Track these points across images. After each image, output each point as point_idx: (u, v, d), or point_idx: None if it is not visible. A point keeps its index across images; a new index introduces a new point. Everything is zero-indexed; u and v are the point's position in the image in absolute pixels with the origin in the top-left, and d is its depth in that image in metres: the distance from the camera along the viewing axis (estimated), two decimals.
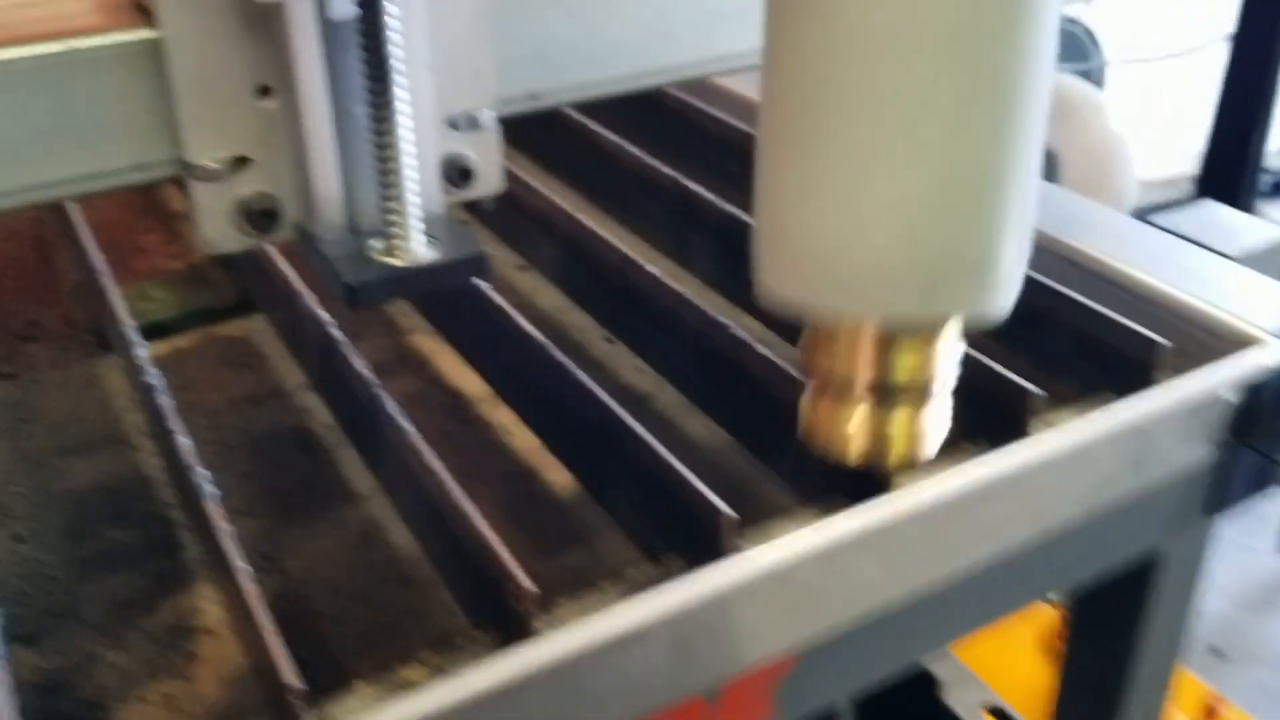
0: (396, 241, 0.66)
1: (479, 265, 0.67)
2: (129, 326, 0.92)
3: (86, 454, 0.90)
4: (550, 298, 1.13)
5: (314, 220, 0.68)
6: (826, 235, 0.30)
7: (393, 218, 0.65)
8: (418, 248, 0.66)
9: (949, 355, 0.32)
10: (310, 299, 0.93)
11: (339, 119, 0.65)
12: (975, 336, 0.96)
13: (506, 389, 0.97)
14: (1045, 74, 0.29)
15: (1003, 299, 0.31)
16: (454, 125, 0.71)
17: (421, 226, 0.66)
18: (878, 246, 0.30)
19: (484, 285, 0.95)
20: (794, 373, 0.81)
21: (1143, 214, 3.54)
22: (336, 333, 0.88)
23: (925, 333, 0.32)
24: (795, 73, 0.29)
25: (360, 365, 0.84)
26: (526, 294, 1.14)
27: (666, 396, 0.97)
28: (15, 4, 0.64)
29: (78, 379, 1.00)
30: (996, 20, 0.27)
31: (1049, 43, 0.29)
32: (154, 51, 0.63)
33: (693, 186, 1.11)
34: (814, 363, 0.32)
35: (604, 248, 1.02)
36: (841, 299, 0.31)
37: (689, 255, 1.14)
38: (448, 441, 0.92)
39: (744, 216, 1.05)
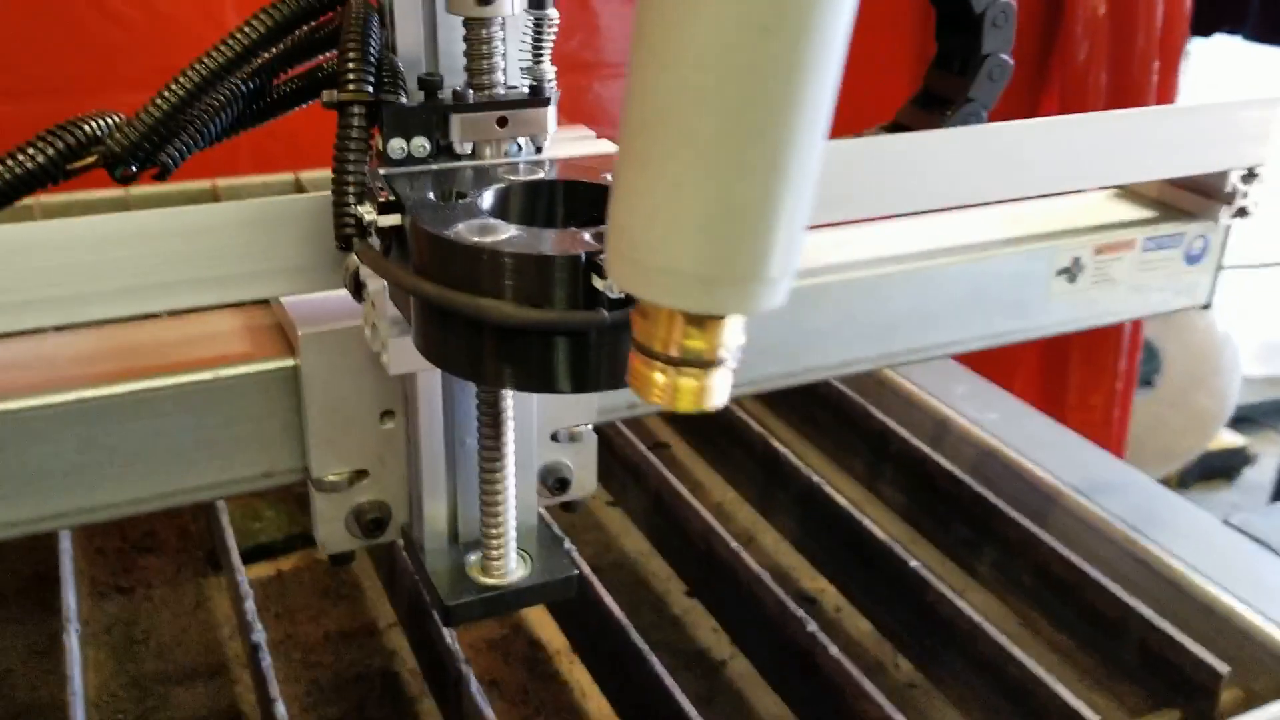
0: (493, 559, 0.70)
1: (569, 586, 0.71)
2: (236, 552, 0.99)
3: (189, 684, 0.96)
4: (634, 541, 1.17)
5: (419, 529, 0.73)
6: (638, 243, 0.40)
7: (492, 537, 0.70)
8: (512, 566, 0.71)
9: (732, 338, 0.42)
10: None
11: (450, 445, 0.71)
12: (1053, 637, 0.98)
13: (583, 646, 1.00)
14: (812, 139, 0.38)
15: (769, 303, 0.41)
16: (555, 438, 0.77)
17: (515, 544, 0.71)
18: (670, 257, 0.39)
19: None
20: (865, 683, 0.83)
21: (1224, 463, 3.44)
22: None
23: (713, 321, 0.42)
24: (627, 117, 0.39)
25: (451, 639, 0.88)
26: (613, 532, 1.18)
27: (740, 666, 1.00)
28: (171, 323, 0.72)
29: (187, 599, 1.06)
30: (765, 104, 0.36)
31: (817, 117, 0.38)
32: (291, 379, 0.69)
33: (779, 446, 1.16)
34: (637, 329, 0.43)
35: (690, 513, 1.06)
36: (647, 292, 0.40)
37: (773, 511, 1.18)
38: (526, 700, 0.95)
39: (829, 490, 1.08)
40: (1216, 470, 3.52)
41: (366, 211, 0.55)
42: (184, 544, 1.13)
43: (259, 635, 0.86)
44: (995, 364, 1.31)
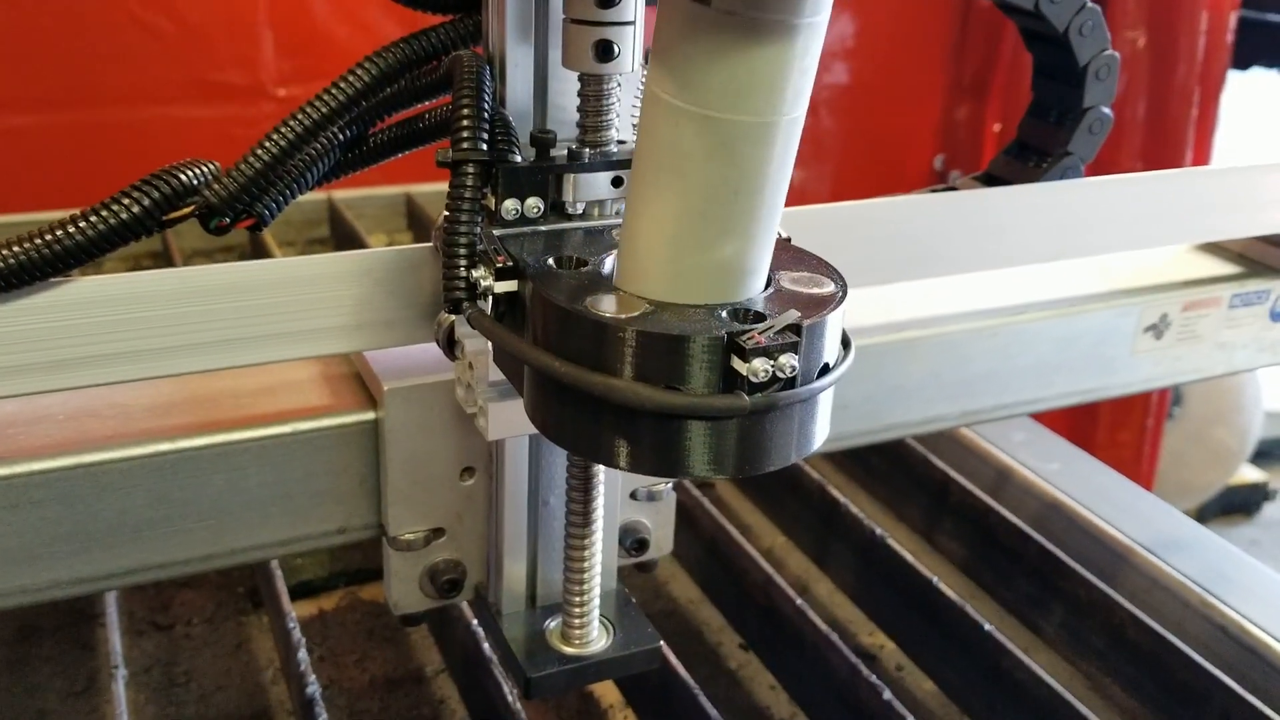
0: (574, 627, 0.67)
1: (654, 657, 0.68)
2: (285, 597, 0.95)
3: None
4: (684, 587, 1.14)
5: (496, 591, 0.70)
6: (639, 253, 0.49)
7: (574, 603, 0.67)
8: (594, 635, 0.68)
9: None
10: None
11: (533, 505, 0.68)
12: (1126, 704, 0.95)
13: (638, 701, 0.97)
14: (776, 182, 0.48)
15: (748, 293, 0.50)
16: (635, 496, 0.74)
17: (597, 613, 0.68)
18: (667, 263, 0.48)
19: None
20: None
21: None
22: (485, 646, 0.89)
23: None
24: (638, 165, 0.48)
25: (506, 689, 0.85)
26: (661, 578, 1.15)
27: None
28: (248, 371, 0.69)
29: (228, 639, 1.03)
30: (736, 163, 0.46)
31: (779, 167, 0.47)
32: (371, 433, 0.66)
33: (836, 493, 1.13)
34: None
35: (747, 562, 1.03)
36: (652, 291, 0.49)
37: (828, 560, 1.15)
38: None
39: (891, 542, 1.05)
40: (1236, 505, 3.50)
41: (482, 276, 0.52)
42: (224, 579, 1.10)
43: (314, 689, 0.83)
44: None
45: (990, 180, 0.83)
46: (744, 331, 0.45)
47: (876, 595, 1.09)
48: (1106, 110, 0.80)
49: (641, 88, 0.58)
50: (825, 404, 0.50)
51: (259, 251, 1.55)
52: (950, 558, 1.15)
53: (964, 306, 0.85)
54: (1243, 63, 2.59)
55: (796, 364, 0.46)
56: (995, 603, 1.09)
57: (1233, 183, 0.87)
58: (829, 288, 0.50)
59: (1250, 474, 3.51)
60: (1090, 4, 0.76)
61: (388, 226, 1.70)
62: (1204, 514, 3.37)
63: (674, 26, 0.44)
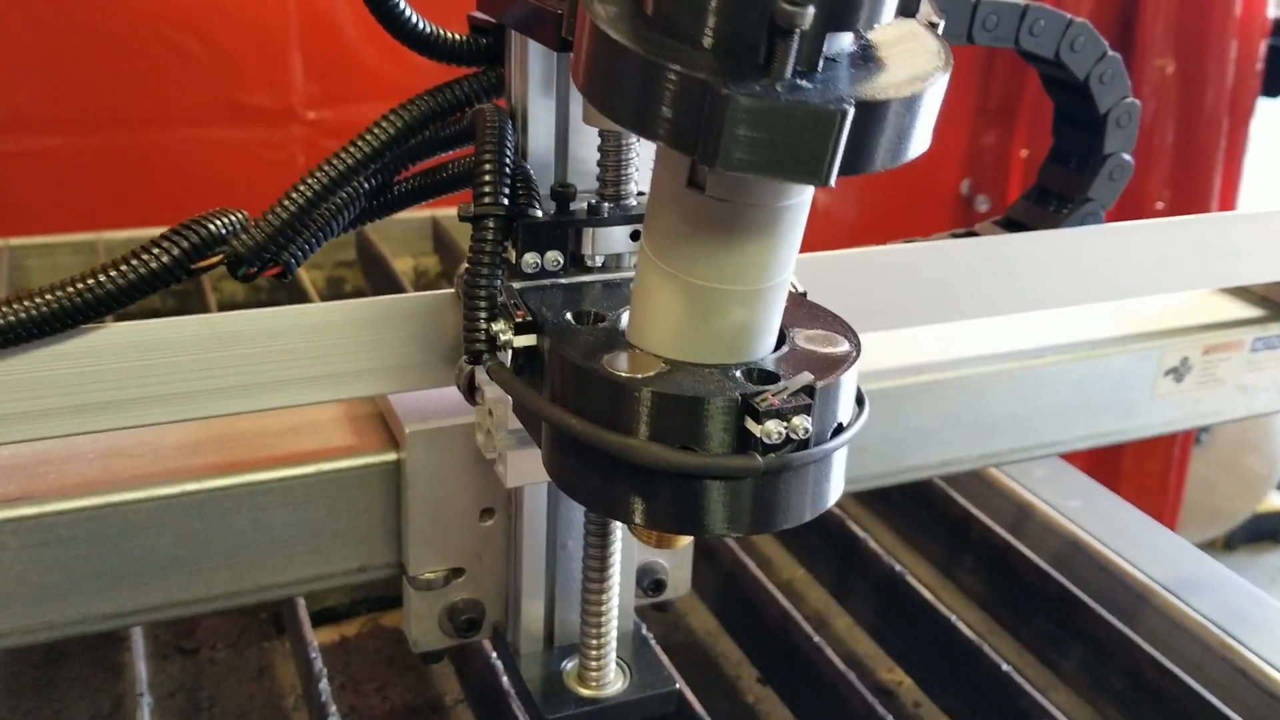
0: (591, 669, 0.68)
1: (670, 700, 0.69)
2: (307, 624, 0.97)
3: None
4: (702, 619, 1.14)
5: (514, 630, 0.71)
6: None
7: (591, 645, 0.68)
8: (610, 677, 0.68)
9: None
10: None
11: (552, 547, 0.69)
12: None
13: None
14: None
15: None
16: None
17: (614, 655, 0.69)
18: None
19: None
20: None
21: None
22: (505, 682, 0.90)
23: None
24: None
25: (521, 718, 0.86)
26: (680, 610, 1.16)
27: None
28: (270, 412, 0.70)
29: (251, 663, 1.04)
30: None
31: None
32: (393, 473, 0.67)
33: (855, 528, 1.13)
34: None
35: (765, 596, 1.04)
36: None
37: (847, 594, 1.15)
38: None
39: (910, 579, 1.06)
40: (1264, 533, 3.46)
41: (501, 330, 0.53)
42: (254, 605, 1.11)
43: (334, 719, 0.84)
44: None
45: (1011, 225, 0.84)
46: (758, 393, 0.46)
47: (895, 631, 1.09)
48: (1127, 157, 0.80)
49: None
50: (839, 462, 0.51)
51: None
52: (970, 594, 1.15)
53: (984, 349, 0.85)
54: (1273, 89, 2.58)
55: (810, 425, 0.46)
56: (1014, 640, 1.09)
57: (1254, 228, 0.87)
58: (843, 347, 0.51)
59: (1278, 502, 3.48)
60: (1111, 53, 0.76)
61: (414, 250, 1.72)
62: (1231, 541, 3.34)
63: (665, 203, 0.47)
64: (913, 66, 0.43)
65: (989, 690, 0.96)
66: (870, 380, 0.80)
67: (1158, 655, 0.97)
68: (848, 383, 0.49)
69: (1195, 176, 2.42)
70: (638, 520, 0.48)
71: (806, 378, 0.47)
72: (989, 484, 1.21)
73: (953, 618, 1.00)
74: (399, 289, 1.48)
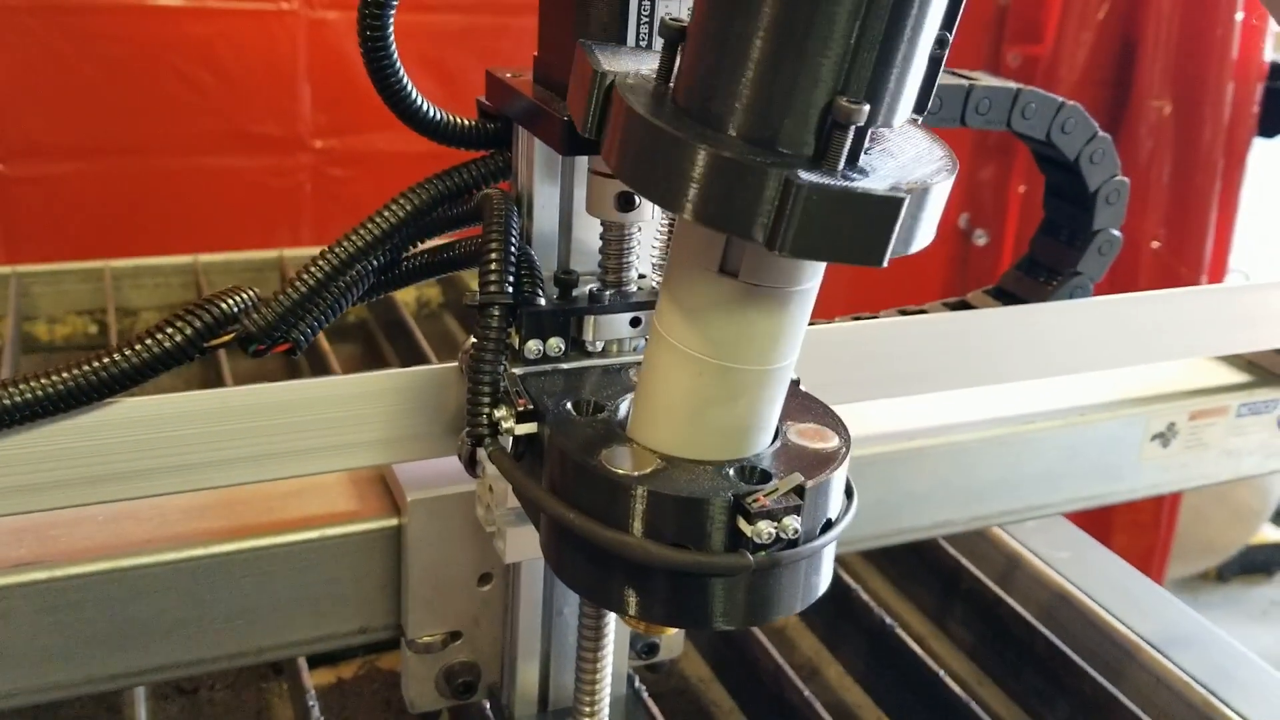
0: None
1: None
2: (305, 672, 0.98)
3: None
4: (695, 666, 1.16)
5: (509, 693, 0.72)
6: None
7: (584, 709, 0.69)
8: None
9: None
10: None
11: (548, 613, 0.71)
12: None
13: None
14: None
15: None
16: None
17: (608, 717, 0.70)
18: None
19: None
20: None
21: None
22: None
23: None
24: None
25: None
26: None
27: None
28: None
29: (250, 706, 1.05)
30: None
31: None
32: (394, 539, 0.69)
33: (849, 580, 1.14)
34: None
35: (758, 649, 1.05)
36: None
37: (838, 644, 1.17)
38: None
39: (899, 632, 1.07)
40: (1258, 565, 3.47)
41: (503, 417, 0.55)
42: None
43: None
44: None
45: (1002, 294, 0.86)
46: (750, 493, 0.48)
47: (885, 683, 1.10)
48: (1116, 233, 0.82)
49: (662, 228, 0.61)
50: (829, 554, 0.52)
51: None
52: (960, 645, 1.17)
53: (975, 415, 0.87)
54: (1269, 130, 2.60)
55: (799, 525, 0.48)
56: (1003, 692, 1.11)
57: (1239, 300, 0.89)
58: (833, 443, 0.53)
59: (1272, 534, 3.49)
60: (1101, 134, 0.78)
61: (418, 282, 1.73)
62: (1224, 573, 3.35)
63: (689, 285, 0.48)
64: (915, 153, 0.45)
65: None
66: (864, 445, 0.82)
67: (1141, 714, 0.98)
68: (837, 480, 0.51)
69: (1191, 216, 2.44)
70: (631, 613, 0.50)
71: (797, 479, 0.48)
72: (980, 535, 1.23)
73: (941, 672, 1.02)
74: (401, 320, 1.50)
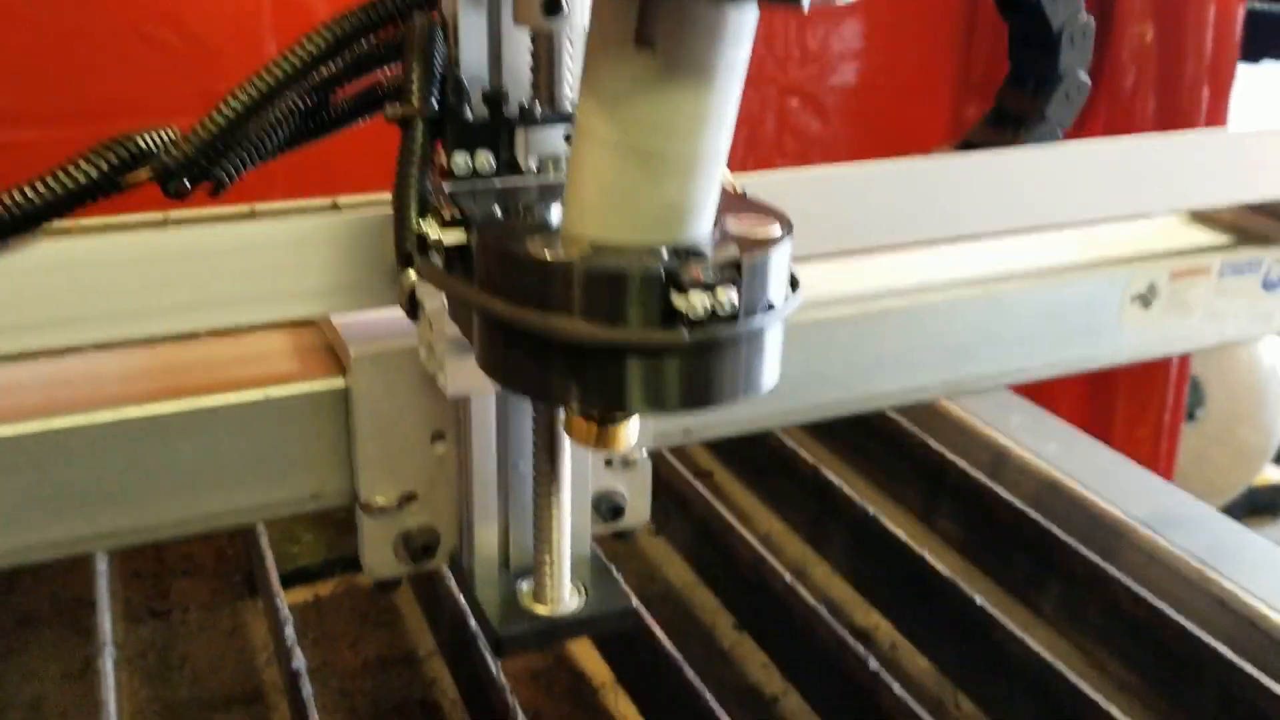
0: (546, 587, 0.67)
1: (626, 618, 0.68)
2: (275, 576, 0.96)
3: (224, 711, 0.93)
4: (678, 571, 1.14)
5: (469, 555, 0.70)
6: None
7: (545, 564, 0.67)
8: (566, 596, 0.68)
9: None
10: (450, 581, 0.96)
11: (503, 469, 0.68)
12: (1123, 678, 0.94)
13: (629, 679, 0.97)
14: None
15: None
16: (609, 464, 0.74)
17: (570, 573, 0.68)
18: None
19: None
20: (924, 714, 0.80)
21: None
22: (473, 624, 0.89)
23: None
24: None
25: (495, 669, 0.85)
26: (656, 562, 1.15)
27: (792, 703, 0.96)
28: (219, 342, 0.70)
29: (224, 624, 1.04)
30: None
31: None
32: (341, 399, 0.67)
33: (831, 476, 1.12)
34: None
35: (740, 544, 1.03)
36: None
37: (824, 543, 1.14)
38: None
39: (884, 521, 1.05)
40: (1261, 506, 3.44)
41: (430, 228, 0.52)
42: (221, 567, 1.11)
43: (299, 663, 0.83)
44: (1040, 397, 1.27)
45: (969, 148, 0.83)
46: (682, 267, 0.45)
47: (872, 576, 1.08)
48: (1083, 76, 0.80)
49: None
50: (773, 344, 0.50)
51: None
52: (948, 539, 1.14)
53: (946, 275, 0.84)
54: (1253, 55, 2.57)
55: (735, 300, 0.46)
56: (993, 582, 1.09)
57: (1222, 147, 0.86)
58: (774, 230, 0.51)
59: (1275, 474, 3.46)
60: None
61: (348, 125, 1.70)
62: (1228, 515, 3.33)
63: (608, 67, 0.46)
64: None
65: (964, 626, 0.96)
66: (829, 308, 0.79)
67: (1135, 587, 0.96)
68: (778, 260, 0.49)
69: (1179, 113, 2.40)
70: (570, 402, 0.48)
71: (733, 251, 0.46)
72: (965, 431, 1.21)
73: (926, 555, 1.00)
74: None
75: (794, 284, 0.51)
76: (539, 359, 0.48)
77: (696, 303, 0.45)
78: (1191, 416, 3.23)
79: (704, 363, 0.47)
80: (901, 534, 1.03)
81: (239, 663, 0.99)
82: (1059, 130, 0.81)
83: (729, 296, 0.45)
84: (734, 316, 0.46)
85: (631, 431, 0.55)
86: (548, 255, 0.47)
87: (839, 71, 2.28)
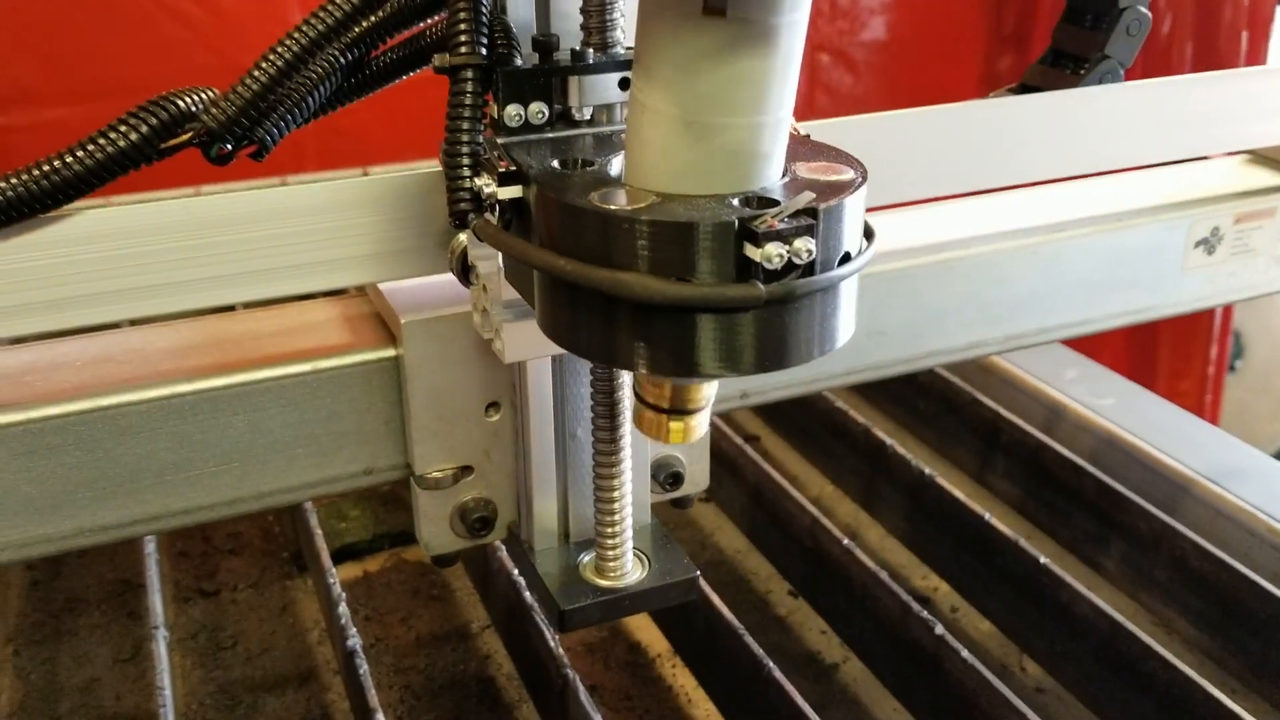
0: (608, 560, 0.66)
1: (689, 588, 0.66)
2: (326, 554, 0.95)
3: (279, 691, 0.92)
4: (730, 538, 1.12)
5: (528, 528, 0.68)
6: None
7: (607, 535, 0.65)
8: (628, 568, 0.66)
9: (705, 397, 0.53)
10: (502, 553, 0.94)
11: (561, 438, 0.66)
12: (1193, 637, 0.91)
13: (687, 649, 0.95)
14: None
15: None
16: None
17: (632, 544, 0.66)
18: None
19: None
20: (1001, 687, 0.78)
21: None
22: (528, 596, 0.88)
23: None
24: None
25: (553, 642, 0.84)
26: (708, 529, 1.13)
27: (854, 670, 0.94)
28: (266, 314, 0.68)
29: (274, 602, 1.02)
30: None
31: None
32: (393, 370, 0.65)
33: (883, 437, 1.10)
34: (640, 388, 0.53)
35: (794, 508, 1.01)
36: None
37: (877, 505, 1.12)
38: (630, 706, 0.91)
39: (941, 482, 1.03)
40: None
41: (485, 184, 0.50)
42: (268, 545, 1.10)
43: (354, 641, 0.82)
44: (1081, 351, 1.24)
45: (1026, 91, 0.80)
46: (756, 216, 0.43)
47: (928, 538, 1.06)
48: (1144, 9, 0.77)
49: None
50: (848, 297, 0.48)
51: None
52: (1004, 498, 1.12)
53: (1003, 225, 0.82)
54: None
55: (814, 248, 0.43)
56: (1053, 541, 1.06)
57: None
58: (848, 174, 0.48)
59: None
60: None
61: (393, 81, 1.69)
62: None
63: (672, 37, 0.44)
64: None
65: (1028, 587, 0.94)
66: (887, 260, 0.77)
67: (1202, 543, 0.93)
68: (853, 207, 0.46)
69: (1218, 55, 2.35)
70: (639, 365, 0.46)
71: (808, 197, 0.44)
72: (1018, 387, 1.18)
73: (986, 516, 0.97)
74: None
75: (868, 233, 0.49)
76: (605, 319, 0.46)
77: (773, 253, 0.43)
78: (1231, 368, 3.18)
79: (780, 319, 0.45)
80: (958, 493, 1.01)
81: (291, 641, 0.98)
82: (1120, 69, 0.77)
83: (806, 245, 0.43)
84: (811, 267, 0.44)
85: (702, 423, 0.54)
86: (610, 208, 0.45)
87: (869, 26, 2.24)
